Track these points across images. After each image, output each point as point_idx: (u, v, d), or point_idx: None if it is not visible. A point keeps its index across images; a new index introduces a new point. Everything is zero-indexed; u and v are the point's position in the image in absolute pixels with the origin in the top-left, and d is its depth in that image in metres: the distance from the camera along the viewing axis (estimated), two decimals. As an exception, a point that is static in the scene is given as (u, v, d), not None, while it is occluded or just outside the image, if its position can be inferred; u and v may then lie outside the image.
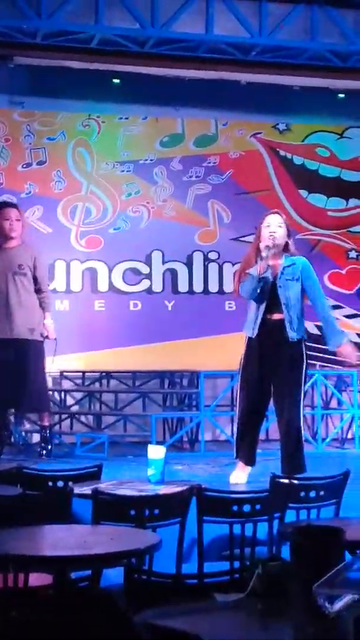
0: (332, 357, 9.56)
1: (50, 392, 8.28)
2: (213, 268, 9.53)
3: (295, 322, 6.07)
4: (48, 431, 7.64)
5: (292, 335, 6.06)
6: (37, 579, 3.61)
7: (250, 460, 6.19)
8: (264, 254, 5.98)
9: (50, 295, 7.78)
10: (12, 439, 8.21)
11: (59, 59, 8.55)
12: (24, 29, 7.74)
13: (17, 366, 7.37)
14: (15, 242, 7.55)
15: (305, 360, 6.12)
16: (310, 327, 9.39)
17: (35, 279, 7.51)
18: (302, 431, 6.12)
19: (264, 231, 6.13)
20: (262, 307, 6.04)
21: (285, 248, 6.18)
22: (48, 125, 9.25)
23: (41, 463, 6.91)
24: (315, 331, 9.60)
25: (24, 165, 9.17)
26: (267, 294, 6.03)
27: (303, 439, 6.13)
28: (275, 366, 6.05)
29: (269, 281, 6.04)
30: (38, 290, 7.53)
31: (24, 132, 9.18)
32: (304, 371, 6.11)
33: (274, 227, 6.12)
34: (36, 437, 8.12)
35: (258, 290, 5.99)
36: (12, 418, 8.12)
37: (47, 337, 7.51)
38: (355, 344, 9.83)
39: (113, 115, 9.42)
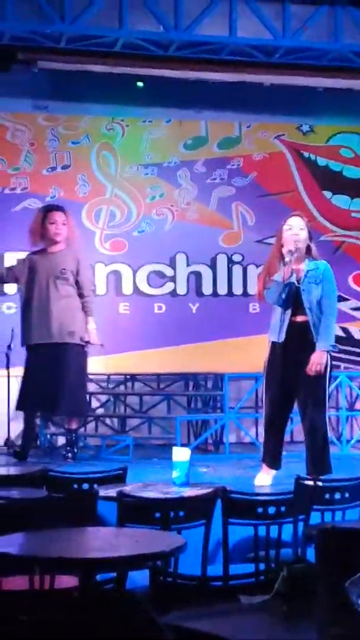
0: (358, 358, 9.58)
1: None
2: (237, 270, 9.52)
3: (319, 324, 6.07)
4: (74, 434, 7.66)
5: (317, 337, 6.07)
6: (63, 581, 3.63)
7: (275, 464, 6.19)
8: (287, 259, 5.99)
9: (93, 300, 7.76)
10: (38, 442, 8.24)
11: (82, 63, 8.56)
12: (47, 34, 7.76)
13: (55, 370, 7.37)
14: (61, 246, 7.58)
15: (329, 362, 6.11)
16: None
17: (77, 283, 7.53)
18: (328, 432, 6.12)
19: (285, 234, 6.13)
20: (288, 311, 6.05)
21: (308, 251, 6.18)
22: (72, 129, 9.28)
23: (66, 466, 6.94)
24: (340, 332, 9.58)
25: (49, 169, 9.20)
26: (292, 298, 6.04)
27: (328, 439, 6.13)
28: (300, 368, 6.05)
29: (294, 286, 6.04)
30: (80, 295, 7.54)
31: (49, 136, 9.21)
32: (327, 373, 6.10)
33: (296, 229, 6.12)
34: (61, 440, 8.15)
35: (284, 296, 5.99)
36: (37, 421, 8.15)
37: (88, 342, 7.50)
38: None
39: (137, 119, 9.43)
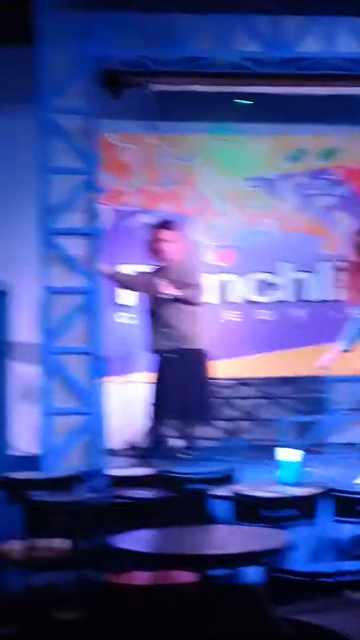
0: None
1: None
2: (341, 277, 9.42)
3: None
4: (191, 437, 7.72)
5: None
6: (180, 577, 3.72)
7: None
8: None
9: (197, 299, 7.77)
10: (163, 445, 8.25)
11: (188, 84, 8.62)
12: (155, 58, 7.84)
13: (181, 377, 7.43)
14: (174, 260, 7.69)
15: None
16: None
17: (188, 291, 7.61)
18: None
19: None
20: None
21: None
22: (178, 146, 9.36)
23: (181, 466, 7.01)
24: None
25: (158, 186, 9.30)
26: None
27: None
28: None
29: None
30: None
31: (157, 154, 9.32)
32: None
33: None
34: (178, 441, 8.17)
35: None
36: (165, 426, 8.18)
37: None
38: None
39: (239, 135, 9.46)
